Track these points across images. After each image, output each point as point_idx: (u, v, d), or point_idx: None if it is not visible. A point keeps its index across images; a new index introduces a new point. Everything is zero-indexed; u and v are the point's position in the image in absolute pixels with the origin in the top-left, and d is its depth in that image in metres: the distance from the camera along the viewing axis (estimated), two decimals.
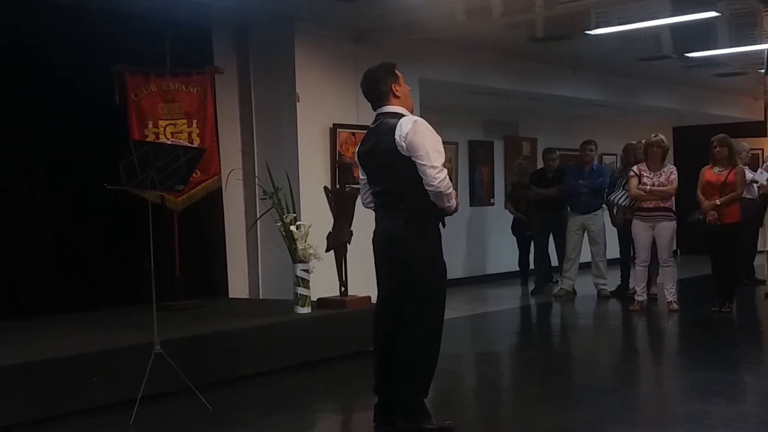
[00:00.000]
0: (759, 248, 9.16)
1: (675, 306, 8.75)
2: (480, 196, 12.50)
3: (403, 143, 4.32)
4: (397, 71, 4.57)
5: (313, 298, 6.75)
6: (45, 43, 6.90)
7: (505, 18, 8.30)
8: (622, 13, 8.25)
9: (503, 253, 12.63)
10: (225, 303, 7.69)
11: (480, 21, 8.34)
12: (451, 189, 4.37)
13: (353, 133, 8.17)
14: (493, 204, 12.72)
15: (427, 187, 4.31)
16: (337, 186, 7.35)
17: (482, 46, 9.53)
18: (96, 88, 7.05)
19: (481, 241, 12.39)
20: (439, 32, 8.57)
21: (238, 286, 8.16)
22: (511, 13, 8.05)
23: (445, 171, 4.34)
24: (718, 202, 8.21)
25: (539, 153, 12.24)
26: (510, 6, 7.79)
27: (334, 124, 8.09)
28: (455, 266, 11.54)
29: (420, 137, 4.31)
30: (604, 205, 9.97)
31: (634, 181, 8.76)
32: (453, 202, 4.41)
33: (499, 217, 12.74)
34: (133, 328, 5.91)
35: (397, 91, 4.51)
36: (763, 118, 15.66)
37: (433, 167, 4.29)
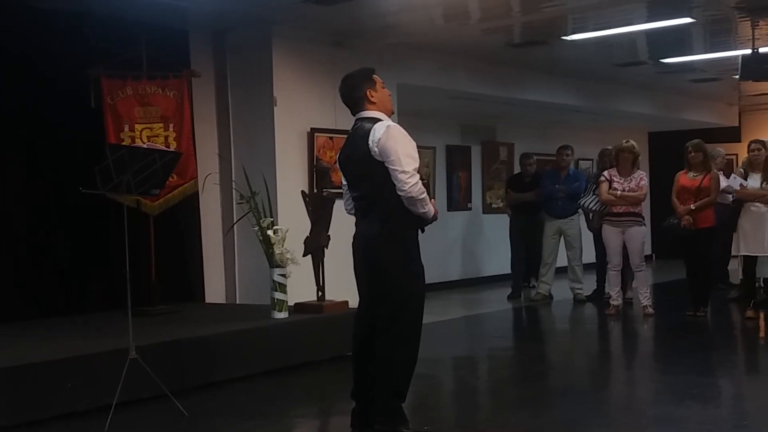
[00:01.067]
0: (732, 253, 9.23)
1: (650, 310, 8.81)
2: (457, 200, 12.53)
3: (376, 148, 4.33)
4: (375, 76, 4.57)
5: (291, 303, 6.73)
6: (20, 45, 6.84)
7: (482, 23, 8.34)
8: (598, 18, 8.31)
9: (480, 257, 12.68)
10: (201, 308, 7.66)
11: (458, 26, 8.37)
12: (424, 195, 4.35)
13: (331, 138, 8.17)
14: (470, 209, 12.75)
15: (399, 192, 4.31)
16: (315, 190, 7.35)
17: (460, 51, 9.56)
18: (72, 91, 7.00)
19: (459, 246, 12.41)
20: (417, 37, 8.59)
21: (214, 291, 8.12)
22: (488, 18, 8.09)
23: (417, 176, 4.31)
24: (692, 206, 8.28)
25: (516, 158, 12.30)
26: (487, 11, 7.82)
27: (311, 129, 8.08)
28: (432, 271, 11.50)
29: (392, 142, 4.31)
30: (580, 210, 10.03)
31: (604, 186, 8.83)
32: (427, 209, 4.39)
33: (477, 222, 12.81)
34: (109, 334, 5.87)
35: (372, 96, 4.50)
36: (737, 124, 15.82)
37: (404, 172, 4.28)
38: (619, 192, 8.75)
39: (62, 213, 7.06)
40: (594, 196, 9.31)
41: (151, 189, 5.43)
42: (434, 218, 4.49)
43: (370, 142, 4.35)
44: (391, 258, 4.41)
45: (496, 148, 13.21)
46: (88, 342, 5.71)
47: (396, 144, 4.31)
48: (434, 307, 9.89)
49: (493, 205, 12.99)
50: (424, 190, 4.37)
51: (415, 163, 4.34)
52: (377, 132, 4.35)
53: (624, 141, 8.99)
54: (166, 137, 7.20)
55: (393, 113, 4.65)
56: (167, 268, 7.43)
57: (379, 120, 4.45)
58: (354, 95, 4.54)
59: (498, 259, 12.46)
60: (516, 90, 10.90)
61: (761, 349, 7.55)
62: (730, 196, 8.79)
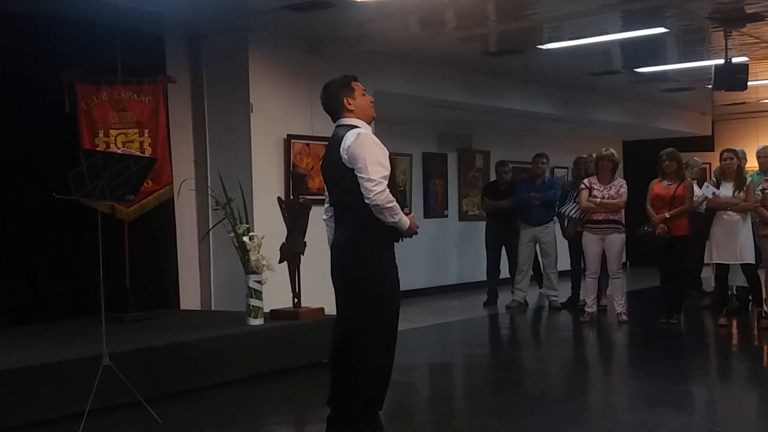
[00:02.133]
0: (705, 261, 9.32)
1: (624, 317, 8.87)
2: (434, 208, 12.55)
3: (346, 155, 4.33)
4: (355, 83, 4.56)
5: (266, 310, 6.71)
6: None
7: (458, 31, 8.37)
8: (573, 28, 8.37)
9: (456, 264, 12.71)
10: (176, 314, 7.61)
11: (434, 34, 8.40)
12: (392, 204, 4.29)
13: (307, 144, 8.16)
14: (446, 216, 12.78)
15: (365, 200, 4.28)
16: (291, 197, 7.33)
17: (436, 59, 9.59)
18: (46, 95, 6.95)
19: (435, 253, 12.43)
20: (394, 45, 8.61)
21: (189, 298, 8.08)
22: (464, 26, 8.12)
23: (384, 184, 4.27)
24: (667, 215, 8.35)
25: (492, 165, 12.35)
26: (463, 20, 7.86)
27: (288, 135, 8.07)
28: (409, 278, 11.53)
29: (360, 150, 4.30)
30: (555, 218, 10.09)
31: (584, 194, 8.90)
32: (398, 218, 4.33)
33: (453, 229, 12.83)
34: (82, 341, 5.82)
35: (349, 104, 4.50)
36: (710, 133, 15.99)
37: (370, 180, 4.26)
38: (598, 199, 8.82)
39: (35, 218, 6.98)
40: (574, 204, 9.38)
41: (125, 195, 5.40)
42: (411, 231, 4.43)
43: (341, 149, 4.36)
44: (360, 267, 4.39)
45: (472, 155, 13.26)
46: (61, 349, 5.66)
47: (364, 151, 4.30)
48: (410, 314, 9.91)
49: (470, 213, 13.03)
50: (393, 199, 4.30)
51: (384, 171, 4.30)
52: (348, 139, 4.35)
53: (604, 149, 9.07)
54: (141, 143, 7.16)
55: (374, 120, 4.62)
56: (142, 274, 7.39)
57: (355, 127, 4.45)
58: (332, 103, 4.55)
59: (474, 266, 12.50)
60: (492, 98, 10.95)
61: (734, 357, 7.62)
62: (703, 204, 8.87)
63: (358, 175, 4.29)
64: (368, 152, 4.30)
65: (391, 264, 4.48)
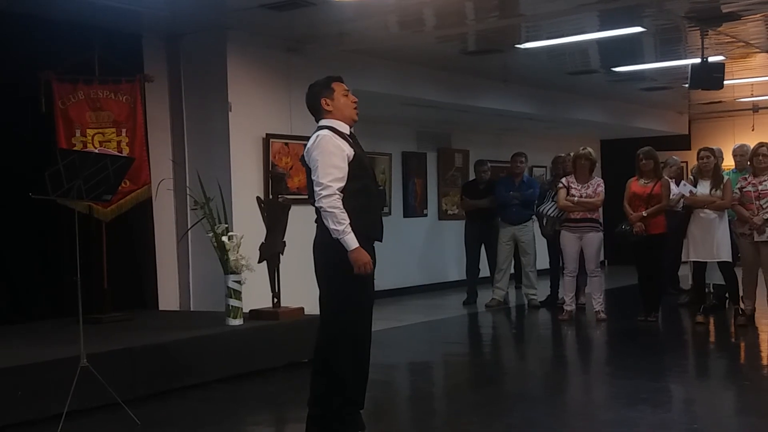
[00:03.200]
0: (683, 259, 9.39)
1: (603, 315, 8.92)
2: (413, 207, 12.56)
3: (307, 157, 4.39)
4: (335, 84, 4.56)
5: (246, 310, 6.69)
6: None
7: (437, 31, 8.39)
8: (551, 27, 8.41)
9: (436, 263, 12.73)
10: (155, 315, 7.57)
11: (413, 33, 8.41)
12: (333, 210, 4.24)
13: (286, 143, 8.14)
14: (426, 215, 12.80)
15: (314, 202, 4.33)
16: (270, 196, 7.31)
17: (415, 58, 9.60)
18: (22, 94, 6.89)
19: (415, 252, 12.44)
20: (373, 44, 8.60)
21: (168, 298, 8.04)
22: (443, 26, 8.14)
23: (332, 189, 4.25)
24: (644, 213, 8.40)
25: (471, 165, 12.38)
26: (442, 19, 7.87)
27: (267, 134, 8.04)
28: (389, 277, 11.56)
29: (317, 152, 4.33)
30: (534, 217, 10.13)
31: (562, 193, 8.95)
32: (337, 227, 4.24)
33: (433, 228, 12.85)
34: (60, 342, 5.78)
35: (327, 105, 4.51)
36: (687, 132, 16.11)
37: (319, 183, 4.27)
38: (576, 198, 8.86)
39: (11, 219, 6.92)
40: (552, 203, 9.42)
41: (102, 195, 5.36)
42: (357, 262, 4.26)
43: (305, 150, 4.42)
44: (327, 265, 4.40)
45: (451, 154, 13.28)
46: (38, 350, 5.61)
47: (320, 154, 4.31)
48: (390, 313, 9.94)
49: (449, 212, 13.06)
50: (338, 206, 4.26)
51: (337, 174, 4.29)
52: (310, 141, 4.41)
53: (581, 148, 9.12)
54: (119, 142, 7.12)
55: (355, 120, 4.58)
56: (120, 274, 7.34)
57: (325, 128, 4.45)
58: (312, 104, 4.58)
59: (454, 266, 12.54)
60: (471, 97, 10.98)
61: (711, 354, 7.69)
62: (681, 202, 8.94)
63: (312, 176, 4.34)
64: (323, 155, 4.31)
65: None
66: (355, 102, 4.59)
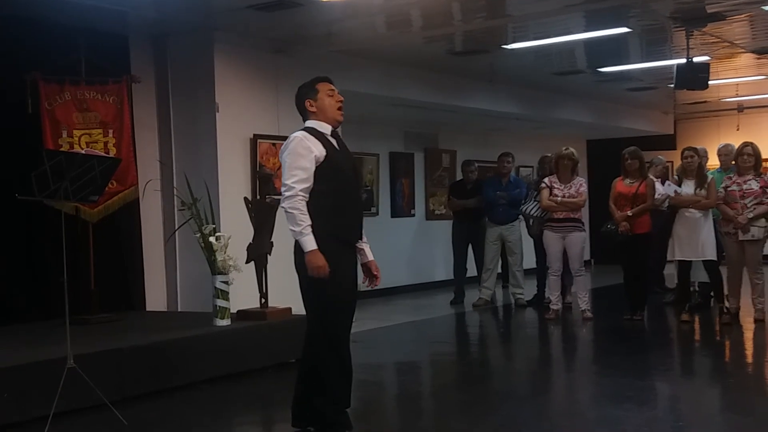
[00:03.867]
0: (668, 258, 9.44)
1: (589, 314, 8.97)
2: (401, 207, 12.58)
3: (281, 157, 4.48)
4: (321, 84, 4.58)
5: (233, 310, 6.69)
6: None
7: (424, 31, 8.41)
8: (537, 28, 8.45)
9: (424, 263, 12.75)
10: (142, 316, 7.56)
11: (400, 34, 8.43)
12: (292, 212, 4.30)
13: (273, 144, 8.14)
14: (413, 215, 12.82)
15: None
16: (258, 197, 7.32)
17: (402, 58, 9.62)
18: (8, 96, 6.86)
19: (403, 252, 12.46)
20: (360, 44, 8.62)
21: (155, 299, 8.03)
22: (430, 26, 8.16)
23: (295, 190, 4.30)
24: (629, 213, 8.45)
25: (458, 165, 12.42)
26: (429, 19, 7.89)
27: (254, 135, 8.05)
28: None
29: (286, 154, 4.39)
30: (520, 216, 10.17)
31: (545, 193, 8.99)
32: (295, 228, 4.30)
33: (420, 228, 12.88)
34: (47, 343, 5.76)
35: (311, 106, 4.55)
36: (672, 132, 16.20)
37: (284, 185, 4.35)
38: (559, 198, 8.91)
39: None
40: (535, 203, 9.46)
41: (89, 195, 5.35)
42: (311, 264, 4.28)
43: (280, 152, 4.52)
44: (301, 265, 4.41)
45: (438, 155, 13.32)
46: (25, 351, 5.60)
47: (288, 155, 4.38)
48: (378, 313, 9.97)
49: (436, 212, 13.09)
50: (298, 208, 4.30)
51: (302, 175, 4.33)
52: (286, 142, 4.47)
53: (564, 148, 9.16)
54: (106, 143, 7.11)
55: (338, 121, 4.59)
56: (107, 275, 7.32)
57: (303, 129, 4.49)
58: (298, 106, 4.62)
59: (441, 265, 12.57)
60: (458, 98, 11.01)
61: (696, 352, 7.74)
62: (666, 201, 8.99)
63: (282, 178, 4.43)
64: (290, 156, 4.37)
65: (339, 263, 4.40)
66: (340, 102, 4.59)
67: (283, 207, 4.36)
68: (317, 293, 4.40)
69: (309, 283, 4.40)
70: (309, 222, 4.31)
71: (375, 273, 4.67)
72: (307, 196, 4.34)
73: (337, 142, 4.57)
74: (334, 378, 4.48)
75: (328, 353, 4.46)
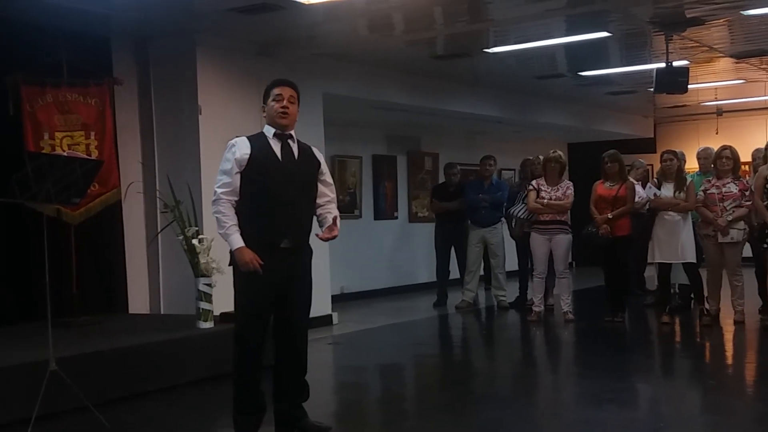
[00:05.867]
0: (648, 260, 9.51)
1: (570, 316, 9.02)
2: (384, 209, 12.61)
3: None
4: (271, 90, 4.62)
5: (216, 313, 6.68)
6: None
7: (406, 35, 8.43)
8: (519, 32, 8.49)
9: (407, 266, 12.77)
10: (125, 318, 7.53)
11: (382, 37, 8.45)
12: (217, 216, 4.44)
13: None
14: (396, 218, 12.85)
15: None
16: None
17: (385, 62, 9.65)
18: None
19: (386, 255, 12.48)
20: (342, 47, 8.63)
21: (138, 302, 8.00)
22: (412, 30, 8.19)
23: (218, 194, 4.45)
24: (609, 215, 8.51)
25: (441, 167, 12.45)
26: (411, 23, 7.92)
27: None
28: (360, 280, 11.61)
29: (222, 158, 4.54)
30: (503, 219, 10.21)
31: (532, 195, 9.04)
32: (219, 230, 4.45)
33: (403, 231, 12.90)
34: (28, 346, 5.73)
35: (263, 111, 4.66)
36: (652, 135, 16.31)
37: (214, 190, 4.48)
38: (546, 200, 8.95)
39: None
40: (522, 205, 9.51)
41: (71, 198, 5.34)
42: (241, 260, 4.39)
43: None
44: (235, 266, 4.49)
45: (421, 158, 13.35)
46: (7, 354, 5.56)
47: (221, 161, 4.52)
48: (360, 315, 9.99)
49: (419, 214, 13.13)
50: (220, 212, 4.42)
51: (225, 180, 4.46)
52: None
53: (551, 151, 9.22)
54: (88, 145, 7.08)
55: (280, 124, 4.58)
56: (89, 278, 7.30)
57: (241, 136, 4.62)
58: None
59: (424, 268, 12.60)
60: (440, 101, 11.05)
61: (676, 354, 7.81)
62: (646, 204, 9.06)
63: None
64: (221, 163, 4.52)
65: (264, 261, 4.41)
66: (281, 106, 4.56)
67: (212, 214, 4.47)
68: (235, 295, 4.52)
69: (234, 285, 4.52)
70: (233, 222, 4.43)
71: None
72: (233, 199, 4.45)
73: (285, 145, 4.57)
74: (236, 379, 4.58)
75: (234, 354, 4.57)
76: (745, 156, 9.57)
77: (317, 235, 4.62)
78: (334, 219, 4.60)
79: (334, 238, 4.60)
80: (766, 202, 7.75)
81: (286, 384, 4.67)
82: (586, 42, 8.83)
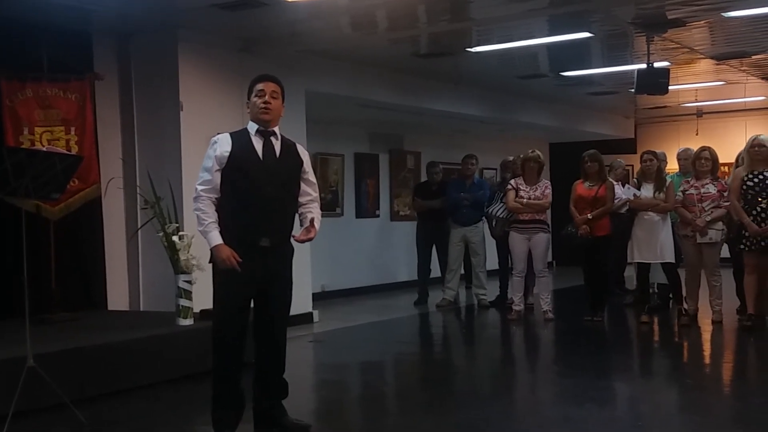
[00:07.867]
0: (627, 260, 9.57)
1: (550, 315, 9.06)
2: (366, 208, 12.60)
3: None
4: (253, 86, 4.59)
5: (196, 310, 6.66)
6: None
7: (389, 33, 8.44)
8: (501, 31, 8.52)
9: (389, 264, 12.77)
10: (104, 315, 7.49)
11: (365, 35, 8.44)
12: (196, 213, 4.46)
13: None
14: (378, 216, 12.85)
15: None
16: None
17: (368, 60, 9.65)
18: None
19: (367, 253, 12.47)
20: (326, 45, 8.62)
21: (117, 298, 7.96)
22: (395, 28, 8.19)
23: (198, 191, 4.45)
24: (589, 215, 8.54)
25: (423, 166, 12.47)
26: (394, 21, 7.92)
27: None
28: (341, 278, 11.60)
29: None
30: (484, 218, 10.24)
31: (511, 194, 9.07)
32: (198, 227, 4.46)
33: (385, 229, 12.90)
34: (6, 342, 5.67)
35: (246, 107, 4.65)
36: (633, 136, 16.40)
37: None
38: (525, 200, 8.99)
39: None
40: (501, 204, 9.54)
41: (51, 193, 5.29)
42: (218, 257, 4.41)
43: None
44: (214, 264, 4.51)
45: (403, 156, 13.36)
46: None
47: (204, 158, 4.54)
48: (341, 313, 9.98)
49: (401, 213, 13.14)
50: (199, 209, 4.44)
51: (206, 177, 4.47)
52: None
53: (530, 151, 9.25)
54: (68, 141, 7.04)
55: (262, 120, 4.57)
56: (68, 274, 7.25)
57: (225, 132, 4.61)
58: None
59: (405, 266, 12.60)
60: (423, 100, 11.06)
61: (655, 353, 7.86)
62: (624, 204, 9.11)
63: None
64: (204, 159, 4.54)
65: (242, 259, 4.41)
66: (263, 102, 4.53)
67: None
68: (214, 291, 4.53)
69: (214, 281, 4.53)
70: (212, 219, 4.43)
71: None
72: (213, 197, 4.45)
73: (267, 142, 4.54)
74: (215, 375, 4.58)
75: (213, 350, 4.57)
76: (725, 157, 9.63)
77: (293, 236, 4.60)
78: (312, 220, 4.56)
79: (310, 240, 4.59)
80: (742, 203, 7.82)
81: (265, 381, 4.66)
82: (568, 42, 8.87)
